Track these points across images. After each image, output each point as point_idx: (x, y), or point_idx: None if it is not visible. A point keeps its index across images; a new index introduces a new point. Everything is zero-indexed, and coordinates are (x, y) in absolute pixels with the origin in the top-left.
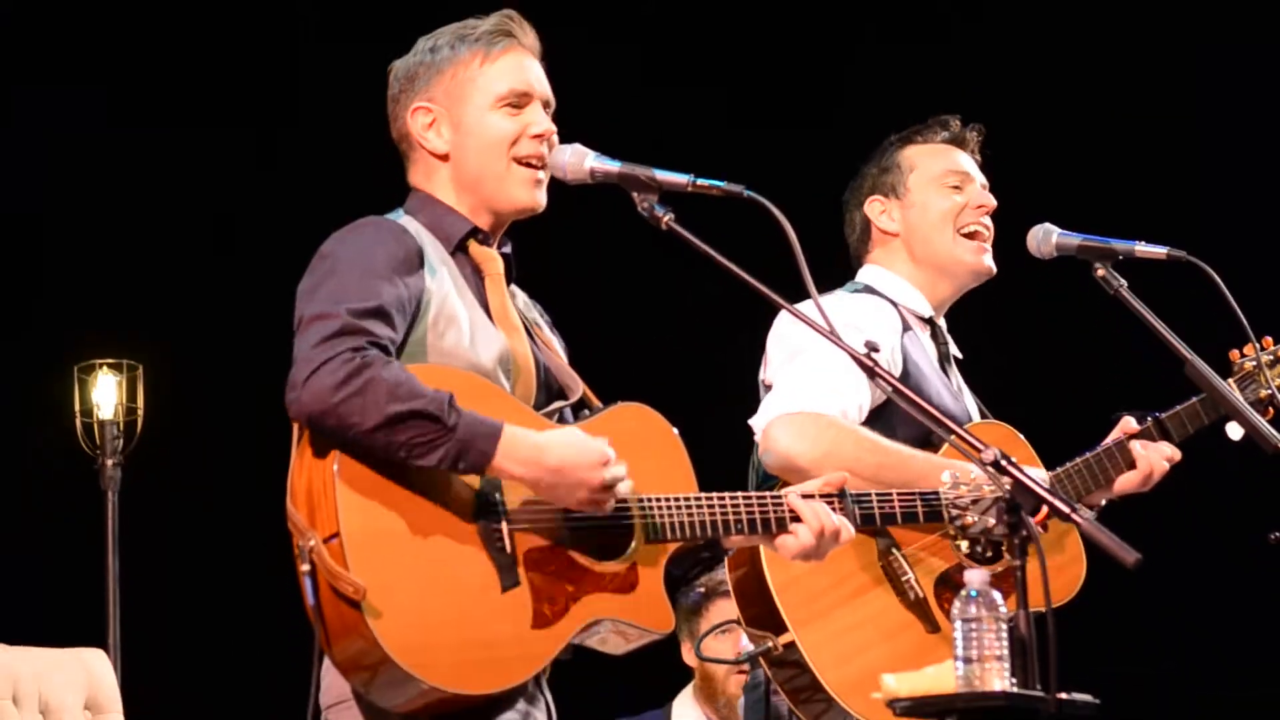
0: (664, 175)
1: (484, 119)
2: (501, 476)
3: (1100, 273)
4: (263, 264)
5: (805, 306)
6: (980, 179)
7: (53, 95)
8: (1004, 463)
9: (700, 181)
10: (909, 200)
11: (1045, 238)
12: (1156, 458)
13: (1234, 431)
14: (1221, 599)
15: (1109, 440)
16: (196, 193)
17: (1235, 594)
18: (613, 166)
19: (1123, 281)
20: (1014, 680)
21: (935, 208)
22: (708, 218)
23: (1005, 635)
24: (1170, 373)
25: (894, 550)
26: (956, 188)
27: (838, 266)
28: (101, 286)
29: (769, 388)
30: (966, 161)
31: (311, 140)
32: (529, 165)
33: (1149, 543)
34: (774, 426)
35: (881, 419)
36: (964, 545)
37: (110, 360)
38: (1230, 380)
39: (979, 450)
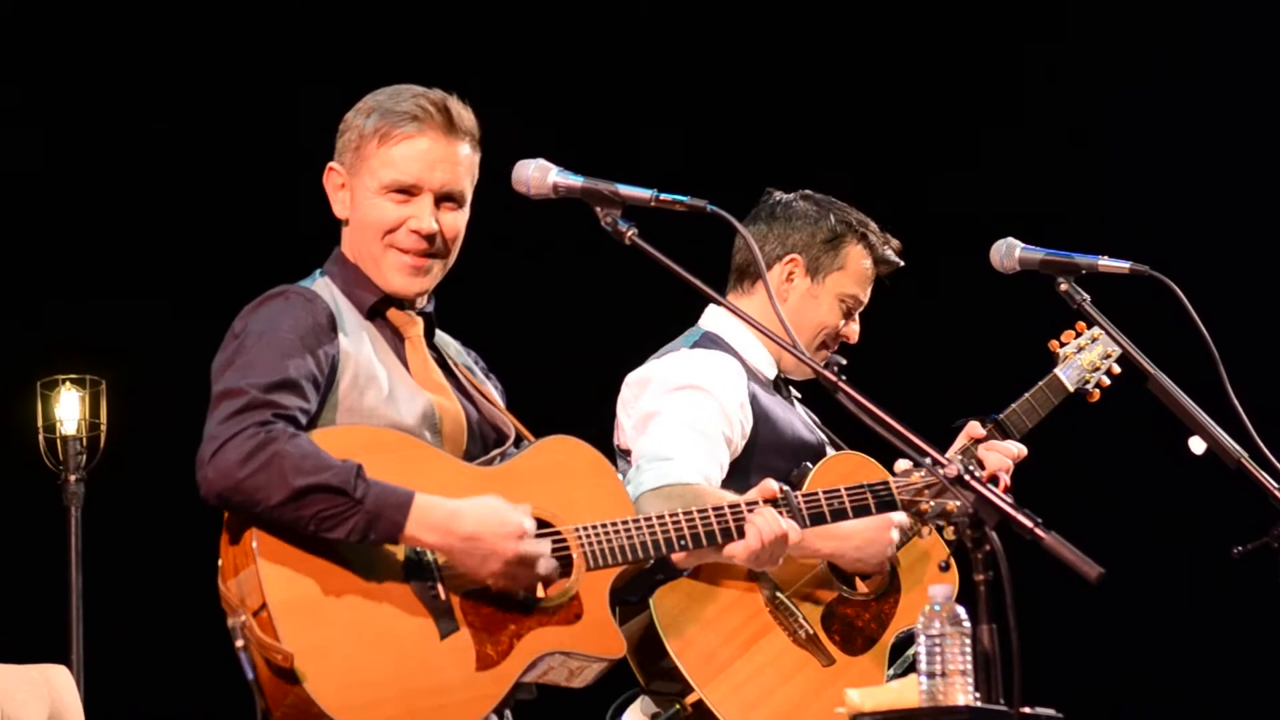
0: (627, 190)
1: (368, 200)
2: (414, 545)
3: (1063, 288)
4: (227, 278)
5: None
6: (862, 309)
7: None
8: (968, 477)
9: (664, 196)
10: (814, 291)
11: (1008, 252)
12: (1001, 458)
13: (1196, 446)
14: (1186, 612)
15: (955, 447)
16: (160, 206)
17: (1199, 607)
18: (576, 181)
19: (1086, 296)
20: (978, 695)
21: (826, 317)
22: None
23: (969, 650)
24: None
25: (778, 593)
26: (848, 313)
27: None
28: (64, 301)
29: (625, 454)
30: (868, 292)
31: (280, 157)
32: (405, 253)
33: (1112, 557)
34: (644, 502)
35: (744, 469)
36: (925, 533)
37: (73, 375)
38: (1056, 370)
39: (943, 465)
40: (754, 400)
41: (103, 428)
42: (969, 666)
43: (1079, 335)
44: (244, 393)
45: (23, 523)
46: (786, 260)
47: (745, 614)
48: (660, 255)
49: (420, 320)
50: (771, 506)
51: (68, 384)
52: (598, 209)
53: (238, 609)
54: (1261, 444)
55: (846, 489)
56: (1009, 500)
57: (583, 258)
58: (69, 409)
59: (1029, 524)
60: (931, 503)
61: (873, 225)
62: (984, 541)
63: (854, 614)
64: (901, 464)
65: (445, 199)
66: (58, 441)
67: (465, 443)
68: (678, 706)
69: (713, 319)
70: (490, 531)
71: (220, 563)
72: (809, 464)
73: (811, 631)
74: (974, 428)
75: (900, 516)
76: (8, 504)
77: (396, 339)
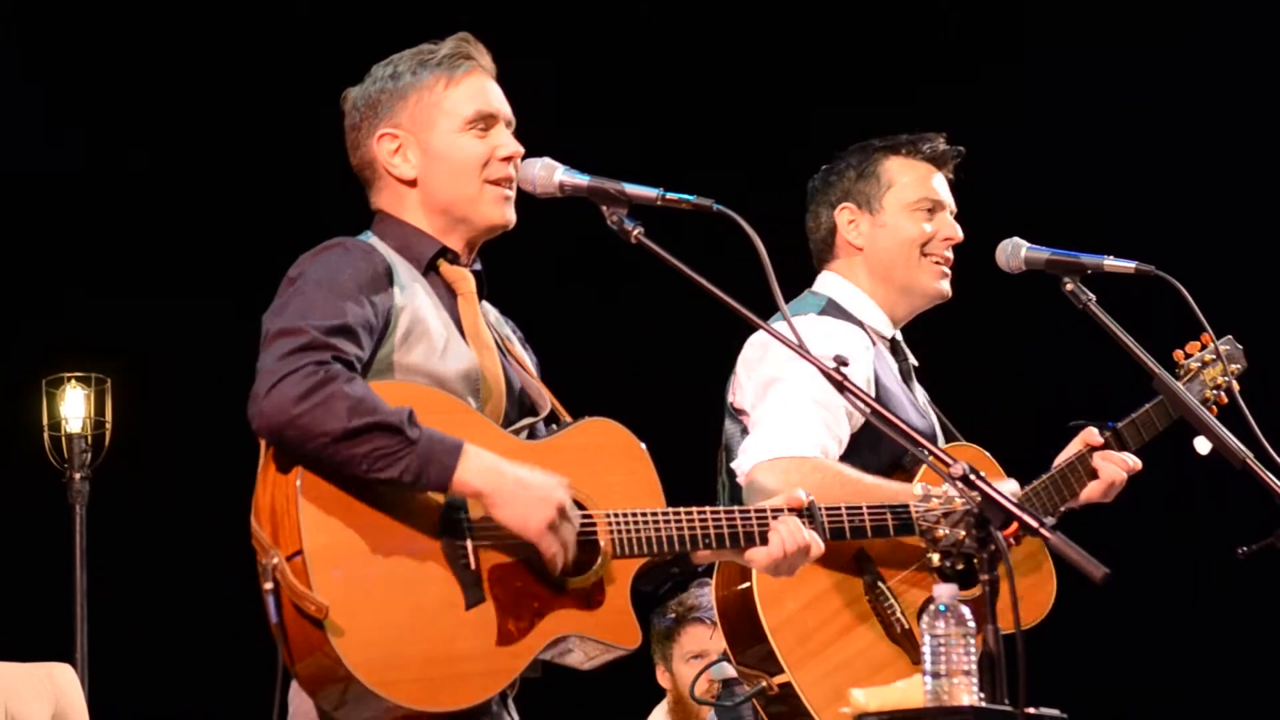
0: (633, 189)
1: (453, 142)
2: (463, 492)
3: (1069, 287)
4: (231, 277)
5: (776, 323)
6: (951, 206)
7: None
8: (973, 477)
9: (670, 195)
10: (880, 219)
11: (1014, 252)
12: (1117, 469)
13: (1202, 446)
14: (1190, 612)
15: (1071, 452)
16: (167, 205)
17: (1203, 607)
18: (582, 180)
19: (1091, 296)
20: (982, 695)
21: (905, 233)
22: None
23: (973, 650)
24: (1136, 385)
25: (879, 584)
26: (929, 213)
27: (804, 275)
28: (70, 299)
29: (737, 413)
30: (942, 186)
31: (289, 155)
32: (499, 185)
33: (1117, 557)
34: (759, 471)
35: (857, 445)
36: (935, 560)
37: (78, 373)
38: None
39: (948, 465)
40: (876, 379)
41: (108, 426)
42: (974, 666)
43: (1204, 348)
44: (304, 332)
45: (28, 520)
46: (840, 212)
47: (844, 599)
48: (666, 254)
49: (472, 278)
50: (797, 517)
51: (73, 382)
52: (604, 208)
53: (270, 549)
54: (1267, 444)
55: (869, 508)
56: (1014, 501)
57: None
58: (74, 407)
59: (1035, 524)
60: (947, 531)
61: (904, 135)
62: (989, 541)
63: None
64: (918, 488)
65: (508, 125)
66: (63, 439)
67: (505, 407)
68: (764, 684)
69: (828, 283)
70: (538, 481)
71: (255, 499)
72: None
73: (907, 626)
74: (1090, 433)
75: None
76: (13, 502)
77: (449, 295)
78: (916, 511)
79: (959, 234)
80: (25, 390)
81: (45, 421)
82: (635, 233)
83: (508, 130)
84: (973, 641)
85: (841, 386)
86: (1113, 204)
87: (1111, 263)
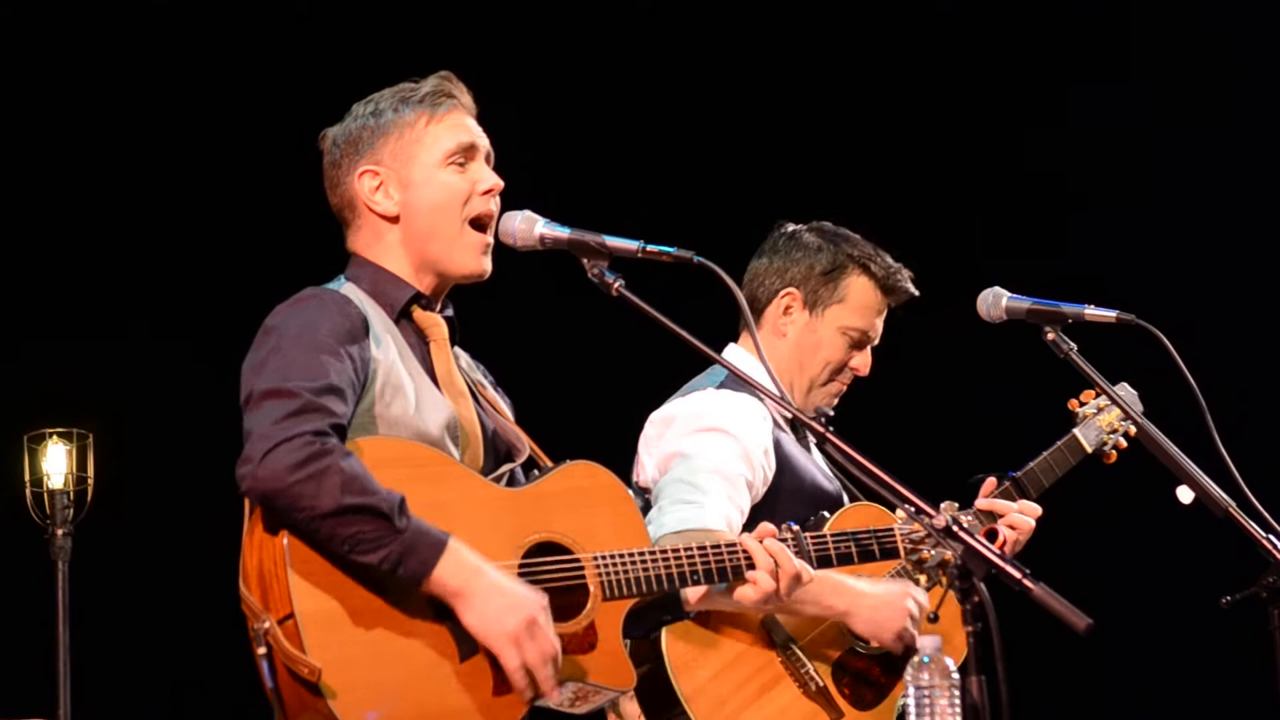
0: (614, 241)
1: (434, 177)
2: (437, 591)
3: (1050, 336)
4: (213, 332)
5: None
6: (875, 341)
7: None
8: (955, 529)
9: (650, 248)
10: (813, 325)
11: (995, 302)
12: (1021, 520)
13: (1184, 495)
14: (1174, 662)
15: (977, 504)
16: (146, 258)
17: (1187, 657)
18: (562, 233)
19: (1073, 345)
20: None
21: (828, 352)
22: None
23: (958, 701)
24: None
25: (790, 644)
26: (856, 345)
27: None
28: (52, 354)
29: (643, 491)
30: (879, 324)
31: (268, 200)
32: (480, 229)
33: (1100, 607)
34: (665, 543)
35: (762, 515)
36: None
37: (60, 429)
38: (1075, 430)
39: (931, 515)
40: (777, 446)
41: (90, 482)
42: (959, 717)
43: (1098, 395)
44: (296, 395)
45: (9, 577)
46: (783, 294)
47: (757, 663)
48: (647, 306)
49: (444, 323)
50: (783, 546)
51: (55, 438)
52: (584, 260)
53: (261, 614)
54: (1249, 493)
55: (853, 534)
56: (997, 551)
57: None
58: (56, 462)
59: (1017, 575)
60: (932, 552)
61: (882, 256)
62: (972, 592)
63: (864, 667)
64: (903, 510)
65: (488, 159)
66: (45, 495)
67: (483, 455)
68: None
69: (734, 356)
70: (516, 591)
71: (243, 564)
72: (826, 513)
73: (822, 684)
74: (990, 484)
75: (920, 594)
76: None
77: (421, 342)
78: (901, 534)
79: (866, 372)
80: (7, 446)
81: (27, 477)
82: (616, 285)
83: (487, 164)
84: (957, 693)
85: (824, 440)
86: (1095, 253)
87: (1092, 312)
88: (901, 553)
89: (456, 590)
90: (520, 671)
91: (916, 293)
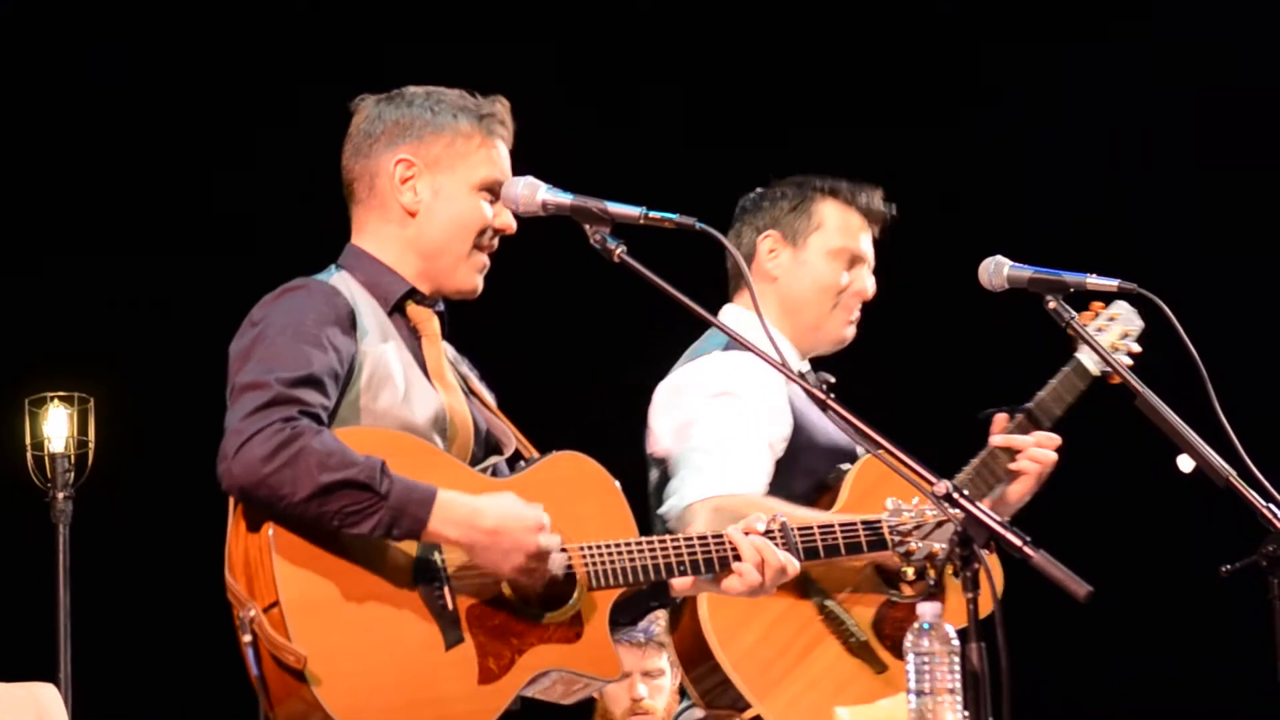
0: (616, 208)
1: (466, 195)
2: (436, 541)
3: (1052, 305)
4: (214, 295)
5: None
6: (871, 262)
7: None
8: (956, 495)
9: (652, 214)
10: (801, 256)
11: (997, 270)
12: (1041, 453)
13: (1185, 464)
14: (1174, 630)
15: (994, 441)
16: (150, 225)
17: (1187, 625)
18: (565, 199)
19: (1074, 314)
20: (966, 713)
21: (823, 278)
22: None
23: (957, 668)
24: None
25: (827, 602)
26: (849, 265)
27: None
28: (53, 318)
29: (660, 461)
30: (867, 243)
31: (275, 173)
32: (484, 253)
33: (1101, 575)
34: (692, 513)
35: (784, 471)
36: (910, 574)
37: (61, 393)
38: (1077, 354)
39: (931, 483)
40: (790, 402)
41: (91, 445)
42: (958, 685)
43: (1097, 316)
44: (268, 386)
45: (10, 540)
46: (763, 238)
47: (798, 624)
48: (649, 273)
49: (435, 317)
50: (768, 539)
51: (56, 401)
52: (586, 226)
53: (247, 603)
54: (1250, 462)
55: (840, 525)
56: (997, 518)
57: (585, 262)
58: (57, 426)
59: (1017, 542)
60: (919, 544)
61: (845, 182)
62: (973, 560)
63: (904, 617)
64: (890, 502)
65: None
66: (46, 459)
67: (471, 447)
68: None
69: (733, 318)
70: (512, 526)
71: (229, 552)
72: (844, 465)
73: (864, 639)
74: (1000, 420)
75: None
76: None
77: (413, 336)
78: (888, 526)
79: (871, 291)
80: (8, 410)
81: (28, 441)
82: (618, 251)
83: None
84: (957, 660)
85: (824, 406)
86: (1096, 220)
87: (1094, 281)
88: (889, 545)
89: (456, 542)
90: (542, 584)
91: (888, 208)
